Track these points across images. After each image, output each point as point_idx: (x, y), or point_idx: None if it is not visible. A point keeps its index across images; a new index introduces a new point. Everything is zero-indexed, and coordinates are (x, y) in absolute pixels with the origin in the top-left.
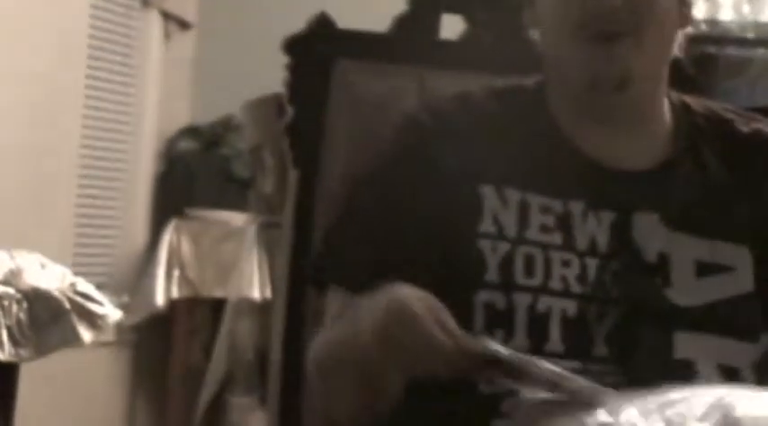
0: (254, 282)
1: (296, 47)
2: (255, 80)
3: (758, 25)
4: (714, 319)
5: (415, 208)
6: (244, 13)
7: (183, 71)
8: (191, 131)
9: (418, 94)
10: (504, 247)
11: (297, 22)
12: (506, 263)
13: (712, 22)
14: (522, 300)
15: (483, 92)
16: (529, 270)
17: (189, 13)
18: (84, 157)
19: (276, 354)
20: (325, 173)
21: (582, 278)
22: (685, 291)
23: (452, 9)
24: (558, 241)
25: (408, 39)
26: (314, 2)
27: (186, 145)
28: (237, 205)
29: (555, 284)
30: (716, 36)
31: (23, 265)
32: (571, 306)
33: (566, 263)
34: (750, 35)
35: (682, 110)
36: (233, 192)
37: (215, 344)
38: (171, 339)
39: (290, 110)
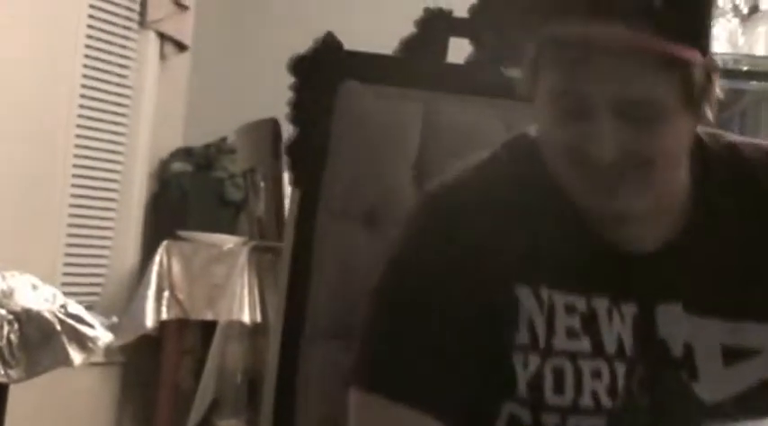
0: (244, 305)
1: (302, 67)
2: (249, 103)
3: (752, 58)
4: (743, 408)
5: (452, 317)
6: (239, 36)
7: (178, 93)
8: (184, 153)
9: (424, 118)
10: (534, 361)
11: (292, 47)
12: (536, 380)
13: None
14: (551, 421)
15: (497, 175)
16: (559, 386)
17: (185, 36)
18: (76, 177)
19: (271, 375)
20: (327, 193)
21: (612, 389)
22: (713, 384)
23: (461, 33)
24: (587, 347)
25: (415, 63)
26: (311, 26)
27: (179, 166)
28: (229, 228)
29: (585, 401)
30: None
31: (15, 286)
32: (600, 424)
33: (596, 374)
34: (744, 67)
35: (700, 172)
36: (225, 215)
37: (204, 366)
38: (160, 360)
39: (293, 130)
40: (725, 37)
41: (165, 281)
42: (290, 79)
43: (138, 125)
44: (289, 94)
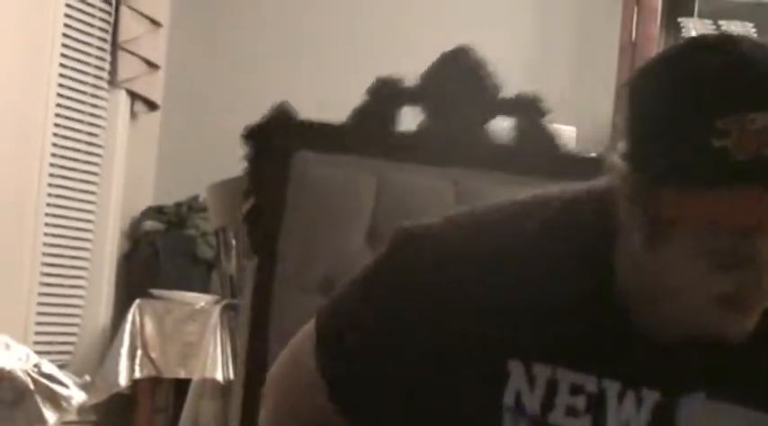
0: (217, 363)
1: (255, 137)
2: (220, 162)
3: None
4: None
5: (435, 376)
6: (209, 95)
7: (149, 151)
8: (155, 211)
9: (377, 186)
10: (525, 424)
11: (262, 107)
12: None
13: None
14: None
15: (528, 230)
16: None
17: (156, 94)
18: (48, 236)
19: None
20: (283, 260)
21: None
22: None
23: (412, 101)
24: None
25: (368, 131)
26: (279, 86)
27: (151, 225)
28: (202, 286)
29: None
30: None
31: None
32: None
33: None
34: None
35: None
36: (197, 273)
37: (177, 425)
38: (133, 419)
39: (249, 199)
40: None
41: (138, 340)
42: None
43: (110, 183)
44: None
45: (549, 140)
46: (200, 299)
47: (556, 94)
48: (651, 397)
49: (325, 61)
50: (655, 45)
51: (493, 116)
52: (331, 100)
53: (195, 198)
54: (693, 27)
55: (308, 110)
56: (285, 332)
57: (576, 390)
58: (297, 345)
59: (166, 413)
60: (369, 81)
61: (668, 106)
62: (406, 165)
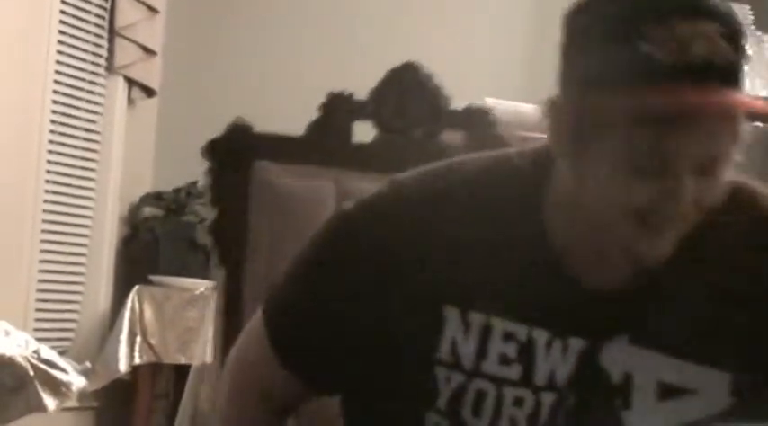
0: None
1: (214, 151)
2: None
3: None
4: None
5: (375, 322)
6: (206, 80)
7: (147, 137)
8: (154, 197)
9: (336, 193)
10: (457, 379)
11: (260, 91)
12: (457, 397)
13: None
14: None
15: (464, 170)
16: (478, 407)
17: (153, 81)
18: (47, 223)
19: None
20: (250, 270)
21: (533, 418)
22: (644, 416)
23: (363, 116)
24: (516, 375)
25: (323, 143)
26: (275, 71)
27: (150, 211)
28: (200, 272)
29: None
30: None
31: None
32: None
33: (518, 402)
34: None
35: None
36: (196, 259)
37: (177, 410)
38: (133, 405)
39: (213, 212)
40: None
41: (138, 326)
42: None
43: (108, 170)
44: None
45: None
46: (200, 285)
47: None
48: (577, 345)
49: (324, 48)
50: None
51: (443, 128)
52: (329, 85)
53: (194, 183)
54: None
55: (305, 96)
56: None
57: (507, 337)
58: (249, 326)
59: (167, 399)
60: (369, 68)
61: (599, 16)
62: (364, 174)
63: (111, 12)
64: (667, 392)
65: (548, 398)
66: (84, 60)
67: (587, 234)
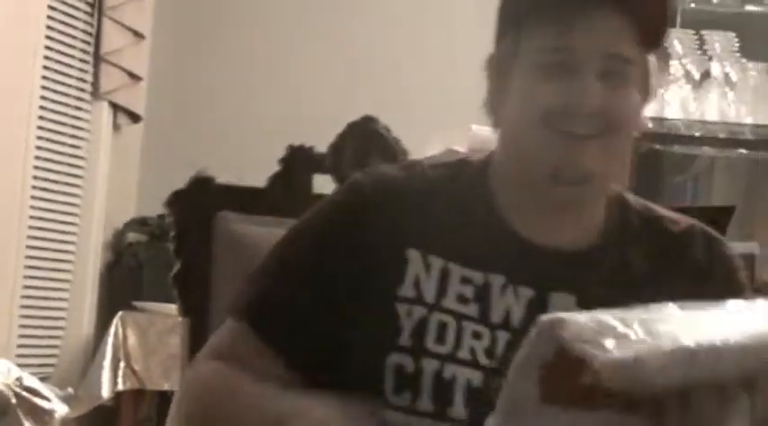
0: None
1: (177, 203)
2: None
3: (704, 124)
4: None
5: (342, 264)
6: (191, 106)
7: (132, 163)
8: (138, 223)
9: None
10: (419, 311)
11: (244, 118)
12: (419, 328)
13: (659, 120)
14: (430, 366)
15: (430, 163)
16: (440, 336)
17: (138, 106)
18: (30, 249)
19: None
20: (213, 320)
21: (490, 351)
22: None
23: (322, 170)
24: (473, 313)
25: (284, 195)
26: (260, 97)
27: (134, 236)
28: None
29: (463, 354)
30: (662, 133)
31: None
32: (476, 377)
33: (477, 335)
34: (696, 133)
35: (618, 205)
36: None
37: None
38: None
39: (176, 263)
40: (677, 103)
41: (121, 352)
42: (236, 154)
43: (92, 195)
44: (245, 159)
45: None
46: None
47: None
48: (526, 294)
49: (309, 72)
50: None
51: None
52: (314, 113)
53: None
54: (676, 37)
55: (289, 121)
56: None
57: (465, 281)
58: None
59: (150, 425)
60: (362, 89)
61: None
62: None
63: (97, 37)
64: None
65: (503, 336)
66: (69, 86)
67: (519, 179)
